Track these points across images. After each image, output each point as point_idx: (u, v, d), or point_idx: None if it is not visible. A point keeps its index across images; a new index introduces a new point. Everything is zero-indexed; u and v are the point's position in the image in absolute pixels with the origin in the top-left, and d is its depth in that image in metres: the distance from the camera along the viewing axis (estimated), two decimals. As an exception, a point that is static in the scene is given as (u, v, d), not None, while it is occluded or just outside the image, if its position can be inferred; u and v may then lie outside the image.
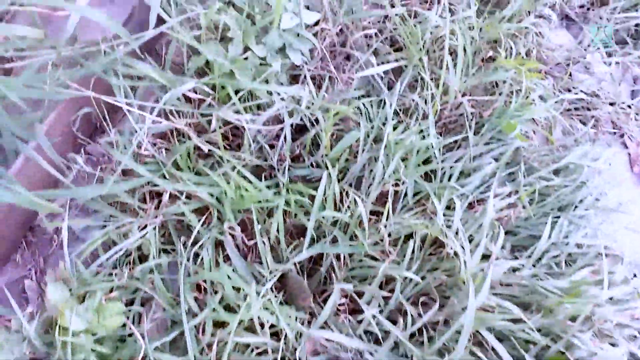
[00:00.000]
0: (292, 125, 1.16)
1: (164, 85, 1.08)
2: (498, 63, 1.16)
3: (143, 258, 1.08)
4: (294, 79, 1.25)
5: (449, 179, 1.10)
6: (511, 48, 1.23)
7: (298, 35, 1.15)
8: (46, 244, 1.15)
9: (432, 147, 1.10)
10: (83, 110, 1.10)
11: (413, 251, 1.03)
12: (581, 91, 1.27)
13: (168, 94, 1.03)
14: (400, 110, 1.22)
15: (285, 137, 1.12)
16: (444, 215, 1.06)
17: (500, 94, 1.19)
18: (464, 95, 1.18)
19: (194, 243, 1.02)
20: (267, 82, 1.13)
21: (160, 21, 1.07)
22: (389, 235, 1.04)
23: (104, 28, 1.18)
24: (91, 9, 0.89)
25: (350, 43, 1.21)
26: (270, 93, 1.13)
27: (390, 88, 1.26)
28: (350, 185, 1.12)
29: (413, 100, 1.16)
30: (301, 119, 1.14)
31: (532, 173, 1.16)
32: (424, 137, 1.12)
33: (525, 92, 1.13)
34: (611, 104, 1.29)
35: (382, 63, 1.26)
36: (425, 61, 1.15)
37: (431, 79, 1.20)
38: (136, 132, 1.06)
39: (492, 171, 1.11)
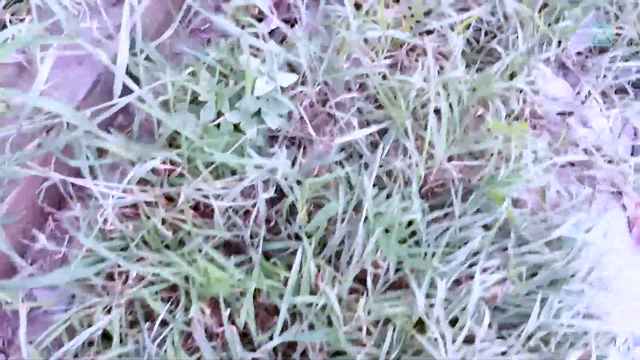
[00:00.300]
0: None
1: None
2: (487, 126, 1.11)
3: (110, 336, 1.05)
4: (272, 140, 1.22)
5: (434, 255, 1.06)
6: (503, 105, 1.18)
7: (275, 99, 1.12)
8: (14, 315, 1.13)
9: (417, 220, 1.06)
10: (47, 183, 1.07)
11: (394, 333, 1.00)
12: (581, 149, 1.23)
13: (133, 171, 1.00)
14: (384, 172, 1.18)
15: (259, 210, 1.08)
16: (428, 295, 1.03)
17: (491, 155, 1.14)
18: (450, 159, 1.14)
19: (163, 324, 1.00)
20: (242, 148, 1.10)
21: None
22: (368, 315, 1.01)
23: (74, 89, 1.16)
24: (45, 99, 0.86)
25: (331, 103, 1.17)
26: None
27: (375, 145, 1.22)
28: (329, 260, 1.09)
29: (396, 166, 1.12)
30: (277, 189, 1.11)
31: (523, 243, 1.12)
32: (408, 208, 1.08)
33: (516, 158, 1.09)
34: (610, 162, 1.25)
35: (366, 121, 1.22)
36: (409, 124, 1.11)
37: (416, 140, 1.16)
38: (102, 206, 1.04)
39: (480, 244, 1.07)
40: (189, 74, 1.11)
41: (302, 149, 1.23)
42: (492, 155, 1.14)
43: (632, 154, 1.31)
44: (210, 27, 1.37)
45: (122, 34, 1.05)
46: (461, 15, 1.27)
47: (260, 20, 1.34)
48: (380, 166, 1.15)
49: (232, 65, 1.19)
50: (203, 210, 1.15)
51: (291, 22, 1.35)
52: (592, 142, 1.26)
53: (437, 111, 1.17)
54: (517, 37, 1.25)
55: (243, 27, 1.29)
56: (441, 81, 1.12)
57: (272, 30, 1.33)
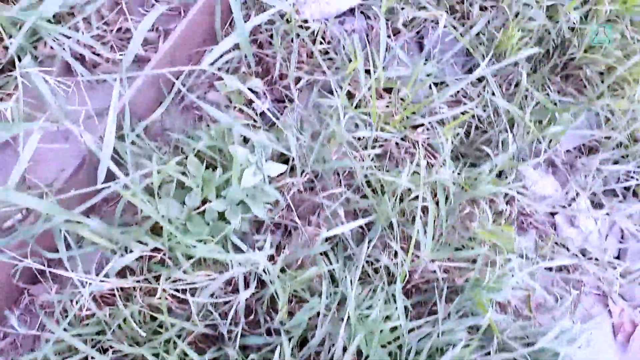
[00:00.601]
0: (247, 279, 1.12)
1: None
2: (474, 230, 1.12)
3: None
4: (258, 224, 1.22)
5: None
6: (491, 205, 1.19)
7: (262, 189, 1.12)
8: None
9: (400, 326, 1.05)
10: (23, 264, 1.05)
11: None
12: (568, 251, 1.24)
13: (113, 261, 0.99)
14: (370, 264, 1.18)
15: (239, 302, 1.07)
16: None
17: (476, 258, 1.15)
18: (433, 260, 1.14)
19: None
20: (225, 238, 1.10)
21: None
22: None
23: (59, 167, 1.16)
24: (20, 195, 0.85)
25: (319, 195, 1.17)
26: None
27: (361, 234, 1.23)
28: (309, 358, 1.07)
29: (380, 263, 1.13)
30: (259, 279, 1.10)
31: (506, 349, 1.12)
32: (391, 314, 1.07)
33: (501, 265, 1.09)
34: (596, 263, 1.26)
35: (353, 210, 1.22)
36: (395, 221, 1.12)
37: (403, 235, 1.17)
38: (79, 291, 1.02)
39: (462, 352, 1.06)
40: (177, 163, 1.10)
41: (287, 234, 1.23)
42: (478, 255, 1.14)
43: (618, 257, 1.32)
44: (202, 104, 1.38)
45: (109, 121, 1.05)
46: (452, 110, 1.29)
47: (252, 100, 1.35)
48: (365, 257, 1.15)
49: (222, 147, 1.19)
50: (182, 298, 1.13)
51: (284, 103, 1.36)
52: (579, 243, 1.27)
53: (425, 207, 1.18)
54: (508, 136, 1.27)
55: (235, 107, 1.31)
56: (429, 182, 1.13)
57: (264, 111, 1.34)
